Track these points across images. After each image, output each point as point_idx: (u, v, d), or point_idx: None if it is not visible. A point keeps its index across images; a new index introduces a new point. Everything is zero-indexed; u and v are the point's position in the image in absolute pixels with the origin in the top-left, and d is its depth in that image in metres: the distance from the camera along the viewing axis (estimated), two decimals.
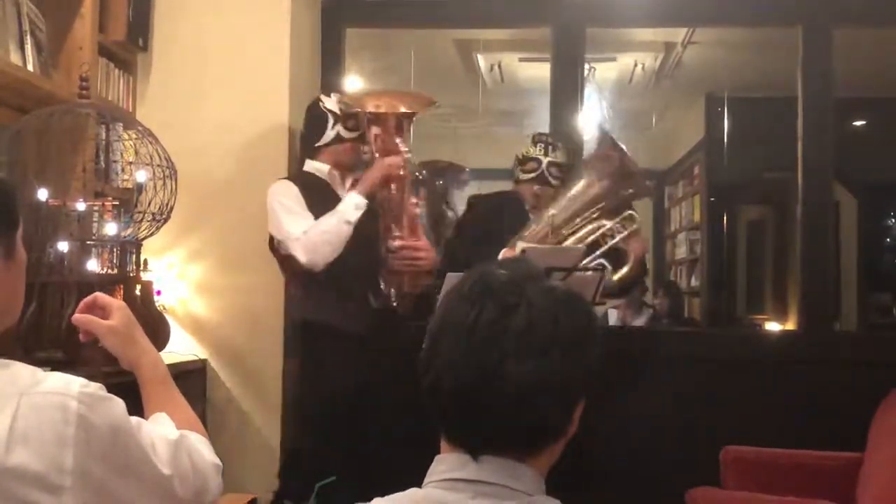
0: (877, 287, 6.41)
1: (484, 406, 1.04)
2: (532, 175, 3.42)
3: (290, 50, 3.63)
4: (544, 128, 3.84)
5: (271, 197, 3.15)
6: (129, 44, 3.52)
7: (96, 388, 1.17)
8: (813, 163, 3.79)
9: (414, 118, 3.14)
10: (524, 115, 6.25)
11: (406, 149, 3.05)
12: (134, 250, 2.94)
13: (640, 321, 5.80)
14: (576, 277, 2.87)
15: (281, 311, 3.55)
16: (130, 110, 3.59)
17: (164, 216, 2.94)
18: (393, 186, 3.08)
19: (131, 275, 2.92)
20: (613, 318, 5.76)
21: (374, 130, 3.12)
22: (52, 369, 1.22)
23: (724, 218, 6.74)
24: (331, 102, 3.26)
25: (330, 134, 3.23)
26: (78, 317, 1.47)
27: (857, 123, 6.40)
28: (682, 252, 7.27)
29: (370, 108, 3.12)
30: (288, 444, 3.29)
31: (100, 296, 1.50)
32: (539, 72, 5.27)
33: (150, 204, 2.91)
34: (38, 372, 1.17)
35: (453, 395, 1.05)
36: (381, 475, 3.07)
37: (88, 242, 2.84)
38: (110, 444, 1.15)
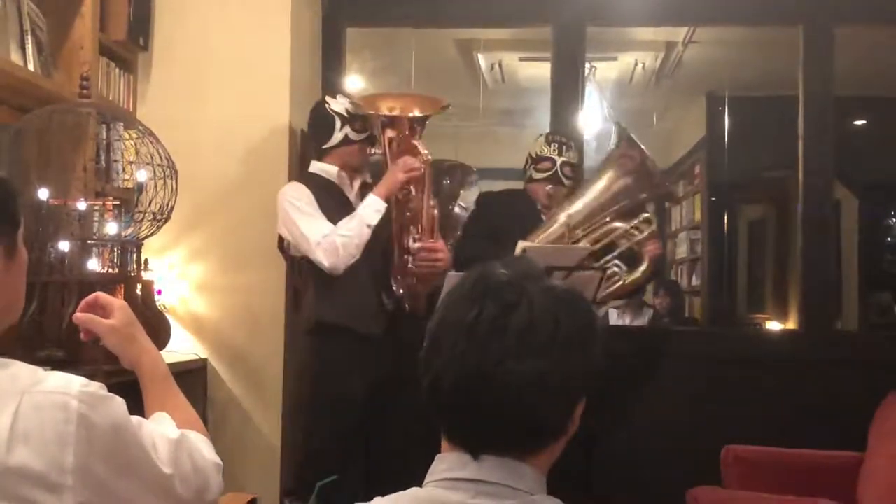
0: (877, 286, 6.41)
1: (484, 405, 1.04)
2: (546, 174, 3.41)
3: (291, 49, 3.63)
4: (545, 127, 3.84)
5: (283, 199, 3.13)
6: (130, 43, 3.52)
7: (97, 387, 1.17)
8: (813, 162, 3.79)
9: (427, 121, 3.15)
10: (525, 115, 6.25)
11: (426, 151, 3.06)
12: (135, 250, 2.94)
13: (640, 321, 5.80)
14: (577, 277, 2.88)
15: (282, 310, 3.56)
16: (131, 110, 3.59)
17: (164, 216, 2.94)
18: (412, 188, 3.09)
19: (132, 274, 2.92)
20: (614, 317, 5.76)
21: (389, 134, 3.12)
22: (53, 368, 1.22)
23: (725, 217, 6.74)
24: (337, 104, 3.25)
25: (338, 136, 3.21)
26: (79, 316, 1.47)
27: (858, 122, 6.40)
28: (682, 251, 7.27)
29: (384, 112, 3.12)
30: (306, 445, 3.25)
31: (101, 295, 1.50)
32: (540, 71, 5.27)
33: (150, 203, 2.91)
34: (38, 371, 1.17)
35: (453, 394, 1.05)
36: (395, 475, 3.08)
37: (89, 242, 2.84)
38: (111, 444, 1.15)
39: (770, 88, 5.46)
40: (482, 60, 6.03)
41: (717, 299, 6.67)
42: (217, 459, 1.34)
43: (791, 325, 5.71)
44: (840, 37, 3.80)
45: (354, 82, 4.71)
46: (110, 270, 2.91)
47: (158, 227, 2.97)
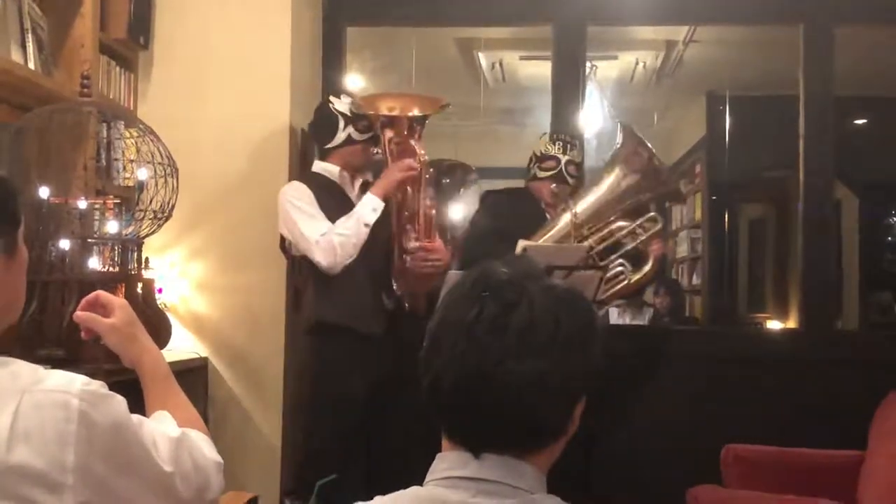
0: (878, 286, 6.41)
1: (484, 405, 1.04)
2: (551, 173, 3.42)
3: (292, 48, 3.63)
4: (546, 127, 3.84)
5: (284, 199, 3.14)
6: (131, 42, 3.52)
7: (98, 385, 1.17)
8: (814, 161, 3.79)
9: (426, 120, 3.14)
10: (525, 114, 6.25)
11: (423, 151, 3.06)
12: (135, 248, 2.94)
13: (641, 320, 5.80)
14: (577, 276, 2.88)
15: (282, 309, 3.56)
16: (132, 108, 3.59)
17: (165, 214, 2.94)
18: (409, 188, 3.09)
19: (133, 273, 2.92)
20: (614, 316, 5.75)
21: (388, 134, 3.13)
22: (54, 367, 1.22)
23: (726, 216, 6.74)
24: (341, 104, 3.25)
25: (341, 136, 3.22)
26: (79, 314, 1.47)
27: (859, 122, 6.40)
28: (683, 250, 7.26)
29: (384, 111, 3.12)
30: (307, 445, 3.25)
31: (101, 294, 1.50)
32: (540, 70, 5.28)
33: (151, 202, 2.92)
34: (39, 370, 1.17)
35: (454, 394, 1.05)
36: (395, 474, 3.08)
37: (90, 240, 2.84)
38: (112, 442, 1.15)
39: (770, 88, 5.46)
40: (483, 59, 6.03)
41: (717, 298, 6.67)
42: (218, 458, 1.34)
43: (791, 324, 5.71)
44: (840, 36, 3.80)
45: (355, 82, 4.71)
46: (111, 269, 2.91)
47: (159, 226, 2.97)
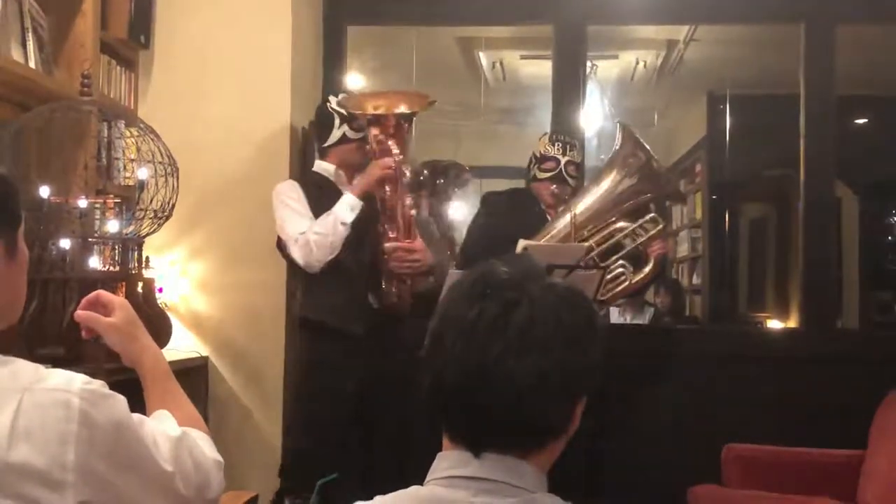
0: (878, 285, 6.40)
1: (485, 404, 1.04)
2: (550, 174, 3.41)
3: (292, 47, 3.63)
4: (546, 126, 3.84)
5: (275, 197, 3.16)
6: (131, 41, 3.52)
7: (98, 384, 1.17)
8: (815, 160, 3.79)
9: (414, 117, 3.13)
10: (526, 113, 6.25)
11: (398, 150, 3.04)
12: (136, 248, 2.94)
13: (641, 319, 5.79)
14: (577, 275, 2.87)
15: (283, 308, 3.56)
16: (132, 107, 3.59)
17: (165, 213, 2.94)
18: (387, 187, 3.08)
19: (133, 272, 2.92)
20: (615, 315, 5.75)
21: (374, 131, 3.12)
22: (54, 366, 1.22)
23: (726, 215, 6.73)
24: (337, 103, 3.27)
25: (336, 134, 3.23)
26: (80, 314, 1.47)
27: (859, 121, 6.39)
28: (683, 250, 7.26)
29: (369, 110, 3.12)
30: (289, 444, 3.30)
31: (102, 293, 1.50)
32: (541, 69, 5.27)
33: (151, 201, 2.92)
34: (40, 369, 1.17)
35: (455, 393, 1.05)
36: (382, 473, 3.09)
37: (90, 240, 2.84)
38: (112, 441, 1.15)
39: (771, 87, 5.46)
40: (483, 58, 6.03)
41: (717, 298, 6.66)
42: (218, 457, 1.34)
43: (792, 323, 5.71)
44: (841, 35, 3.79)
45: (356, 81, 4.71)
46: (111, 268, 2.91)
47: (159, 225, 2.97)
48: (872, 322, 6.27)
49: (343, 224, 3.03)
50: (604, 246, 3.19)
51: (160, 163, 2.94)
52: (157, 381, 1.46)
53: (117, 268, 2.90)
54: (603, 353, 1.09)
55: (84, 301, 1.49)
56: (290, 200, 3.13)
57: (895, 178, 6.37)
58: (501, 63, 6.10)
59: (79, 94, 3.02)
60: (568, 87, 3.90)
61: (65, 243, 2.77)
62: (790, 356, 3.71)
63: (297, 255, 3.05)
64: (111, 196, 3.10)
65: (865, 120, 6.37)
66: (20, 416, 1.10)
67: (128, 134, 3.27)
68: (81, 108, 3.02)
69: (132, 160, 3.22)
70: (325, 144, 3.26)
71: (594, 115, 5.64)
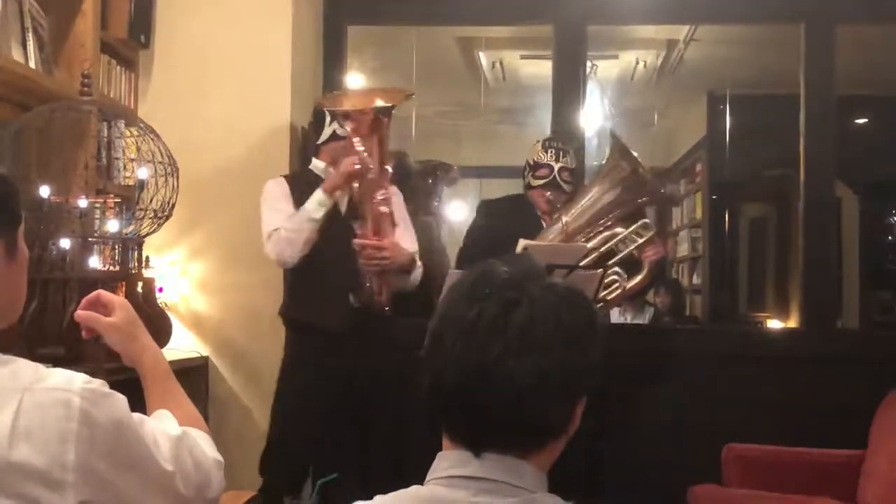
0: (878, 285, 6.40)
1: (485, 404, 1.04)
2: (544, 181, 3.41)
3: (293, 47, 3.63)
4: (546, 126, 3.84)
5: (262, 195, 3.19)
6: (131, 41, 3.52)
7: (99, 384, 1.17)
8: (815, 160, 3.79)
9: (391, 112, 3.11)
10: (526, 113, 6.25)
11: (361, 147, 3.02)
12: (136, 247, 2.94)
13: (641, 319, 5.80)
14: (577, 275, 2.88)
15: None
16: (132, 107, 3.59)
17: (165, 213, 2.94)
18: (356, 185, 3.08)
19: (133, 272, 2.92)
20: (615, 315, 5.75)
21: (348, 127, 3.12)
22: (54, 366, 1.22)
23: (726, 215, 6.73)
24: None
25: (327, 131, 3.23)
26: (80, 313, 1.47)
27: (859, 121, 6.39)
28: (683, 250, 7.26)
29: (346, 107, 3.12)
30: (269, 438, 3.30)
31: (102, 293, 1.50)
32: (541, 69, 5.27)
33: (151, 201, 2.92)
34: (40, 368, 1.17)
35: (454, 393, 1.05)
36: (379, 473, 3.09)
37: (90, 239, 2.84)
38: (113, 441, 1.15)
39: (771, 87, 5.46)
40: (483, 58, 6.03)
41: (718, 297, 6.66)
42: (218, 457, 1.34)
43: (792, 323, 5.71)
44: (841, 35, 3.79)
45: (356, 81, 4.71)
46: (111, 268, 2.91)
47: (159, 225, 2.97)
48: (872, 322, 6.27)
49: (311, 220, 3.02)
50: (595, 254, 3.18)
51: (160, 162, 2.94)
52: (158, 381, 1.46)
53: (117, 268, 2.90)
54: (603, 353, 1.09)
55: (84, 301, 1.49)
56: (270, 197, 3.16)
57: (895, 178, 6.38)
58: (501, 63, 6.10)
59: (79, 93, 3.02)
60: (568, 87, 3.90)
61: (65, 243, 2.77)
62: (790, 356, 3.71)
63: (269, 251, 3.08)
64: (111, 196, 3.11)
65: (865, 120, 6.37)
66: (20, 415, 1.10)
67: (128, 134, 3.27)
68: (81, 107, 3.03)
69: (132, 160, 3.23)
70: (318, 142, 3.27)
71: (594, 115, 5.64)
